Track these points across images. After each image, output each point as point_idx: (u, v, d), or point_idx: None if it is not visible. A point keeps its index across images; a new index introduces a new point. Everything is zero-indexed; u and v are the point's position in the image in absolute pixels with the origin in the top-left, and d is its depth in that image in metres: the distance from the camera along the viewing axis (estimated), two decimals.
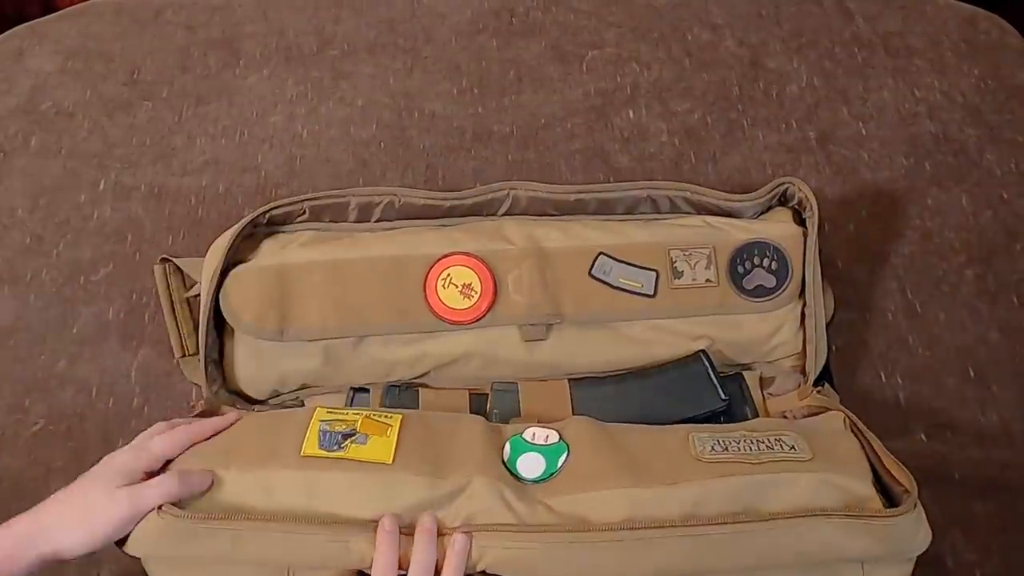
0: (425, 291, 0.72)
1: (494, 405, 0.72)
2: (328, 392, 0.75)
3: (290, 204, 0.75)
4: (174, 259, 0.76)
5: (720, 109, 0.96)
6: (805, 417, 0.71)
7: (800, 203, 0.75)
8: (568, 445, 0.63)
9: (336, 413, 0.64)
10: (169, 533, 0.57)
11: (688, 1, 1.04)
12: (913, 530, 0.57)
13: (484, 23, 1.03)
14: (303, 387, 0.75)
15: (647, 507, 0.58)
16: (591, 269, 0.73)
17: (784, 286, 0.73)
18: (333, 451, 0.61)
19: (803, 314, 0.75)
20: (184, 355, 0.76)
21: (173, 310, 0.76)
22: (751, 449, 0.60)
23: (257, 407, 0.75)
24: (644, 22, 1.03)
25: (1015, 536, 0.72)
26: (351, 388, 0.74)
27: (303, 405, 0.75)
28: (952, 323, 0.82)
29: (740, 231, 0.75)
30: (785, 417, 0.72)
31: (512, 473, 0.61)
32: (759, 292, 0.74)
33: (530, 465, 0.62)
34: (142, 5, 1.05)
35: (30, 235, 0.88)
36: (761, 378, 0.75)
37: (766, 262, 0.74)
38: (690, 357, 0.73)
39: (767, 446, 0.61)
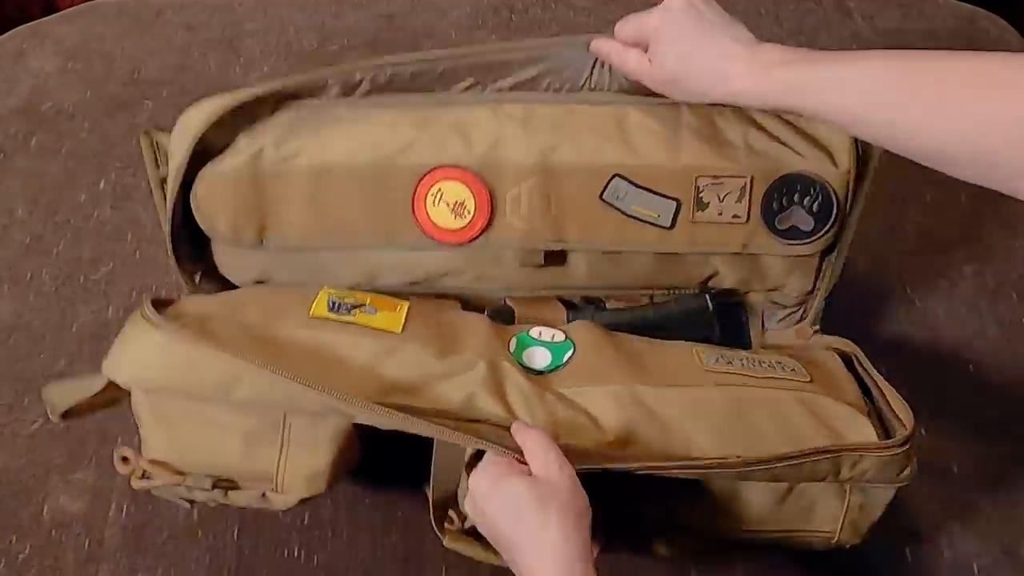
0: (413, 206, 0.65)
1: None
2: None
3: (261, 94, 0.64)
4: (155, 133, 0.67)
5: None
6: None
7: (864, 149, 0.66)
8: (574, 343, 0.63)
9: (343, 291, 0.64)
10: (167, 356, 0.55)
11: None
12: (901, 462, 0.58)
13: (484, 18, 1.03)
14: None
15: (649, 404, 0.59)
16: (603, 192, 0.65)
17: (823, 232, 0.65)
18: (343, 315, 0.61)
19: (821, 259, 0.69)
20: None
21: (162, 188, 0.67)
22: (754, 367, 0.62)
23: None
24: None
25: (1013, 529, 0.72)
26: None
27: None
28: (951, 318, 0.82)
29: (789, 156, 0.64)
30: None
31: (518, 362, 0.62)
32: (793, 234, 0.65)
33: (536, 357, 0.62)
34: (143, 5, 1.05)
35: (30, 235, 0.88)
36: (763, 313, 0.73)
37: (807, 201, 0.64)
38: (694, 296, 0.69)
39: (768, 366, 0.63)
